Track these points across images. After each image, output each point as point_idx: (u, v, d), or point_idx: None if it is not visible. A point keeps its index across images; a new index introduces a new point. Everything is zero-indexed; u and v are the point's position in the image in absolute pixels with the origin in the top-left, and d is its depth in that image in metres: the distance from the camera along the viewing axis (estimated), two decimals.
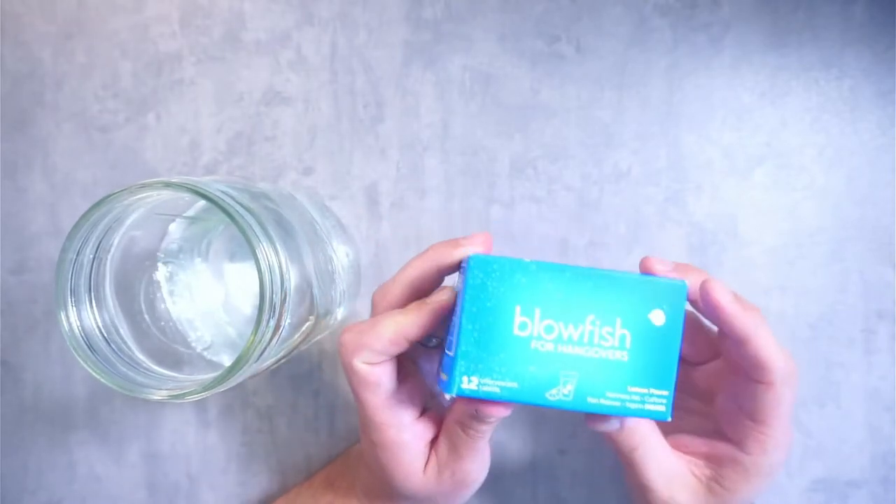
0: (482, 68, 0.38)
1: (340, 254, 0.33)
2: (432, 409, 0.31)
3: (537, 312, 0.23)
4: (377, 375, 0.27)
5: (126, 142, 0.39)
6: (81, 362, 0.26)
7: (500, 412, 0.25)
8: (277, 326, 0.25)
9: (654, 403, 0.23)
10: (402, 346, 0.26)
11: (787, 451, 0.28)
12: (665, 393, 0.23)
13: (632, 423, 0.27)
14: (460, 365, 0.23)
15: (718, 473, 0.28)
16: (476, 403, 0.25)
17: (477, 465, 0.29)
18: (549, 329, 0.23)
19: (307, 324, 0.29)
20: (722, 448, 0.28)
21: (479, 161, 0.38)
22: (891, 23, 0.37)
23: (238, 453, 0.39)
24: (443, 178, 0.38)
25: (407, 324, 0.26)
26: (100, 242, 0.27)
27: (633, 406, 0.23)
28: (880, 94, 0.37)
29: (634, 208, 0.38)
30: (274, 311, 0.25)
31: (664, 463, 0.28)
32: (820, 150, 0.37)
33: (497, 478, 0.38)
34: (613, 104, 0.38)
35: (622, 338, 0.23)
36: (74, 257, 0.26)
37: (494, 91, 0.38)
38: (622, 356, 0.23)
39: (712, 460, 0.28)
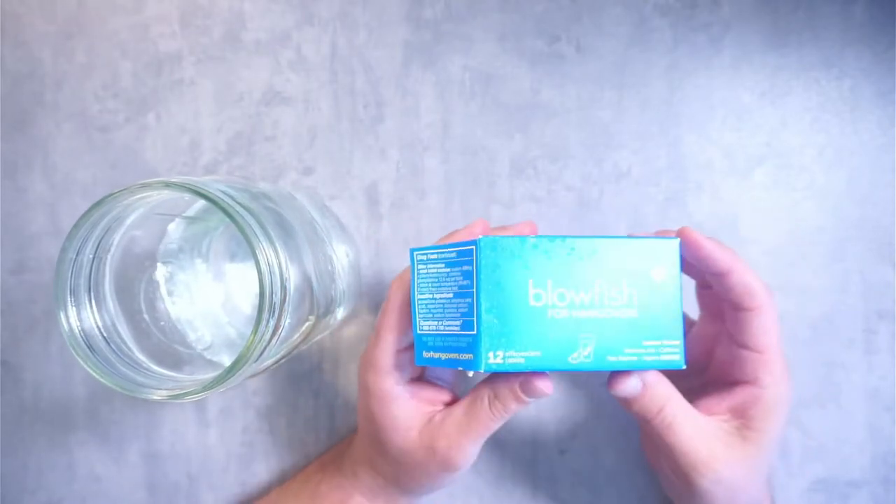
0: (482, 68, 0.38)
1: (340, 254, 0.33)
2: (435, 380, 0.32)
3: (549, 283, 0.24)
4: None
5: (126, 142, 0.39)
6: (81, 362, 0.26)
7: (544, 388, 0.27)
8: (277, 326, 0.25)
9: (668, 353, 0.25)
10: (388, 352, 0.29)
11: (790, 381, 0.29)
12: (676, 342, 0.25)
13: (653, 381, 0.27)
14: (485, 342, 0.24)
15: (745, 418, 0.29)
16: (524, 376, 0.27)
17: (472, 450, 0.29)
18: (562, 297, 0.24)
19: (307, 324, 0.29)
20: (739, 393, 0.29)
21: (479, 161, 0.38)
22: (891, 23, 0.37)
23: (238, 453, 0.39)
24: (443, 178, 0.38)
25: (381, 341, 0.29)
26: (100, 242, 0.27)
27: (649, 359, 0.25)
28: (880, 93, 0.37)
29: (634, 208, 0.38)
30: (274, 311, 0.25)
31: (694, 422, 0.28)
32: (820, 149, 0.37)
33: (497, 477, 0.38)
34: (613, 104, 0.38)
35: (630, 297, 0.25)
36: (74, 257, 0.26)
37: (494, 91, 0.38)
38: (632, 313, 0.25)
39: (735, 410, 0.29)
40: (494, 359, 0.24)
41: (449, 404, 0.31)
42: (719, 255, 0.28)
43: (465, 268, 0.25)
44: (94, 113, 0.39)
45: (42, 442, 0.39)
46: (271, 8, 0.39)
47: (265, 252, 0.25)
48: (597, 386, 0.38)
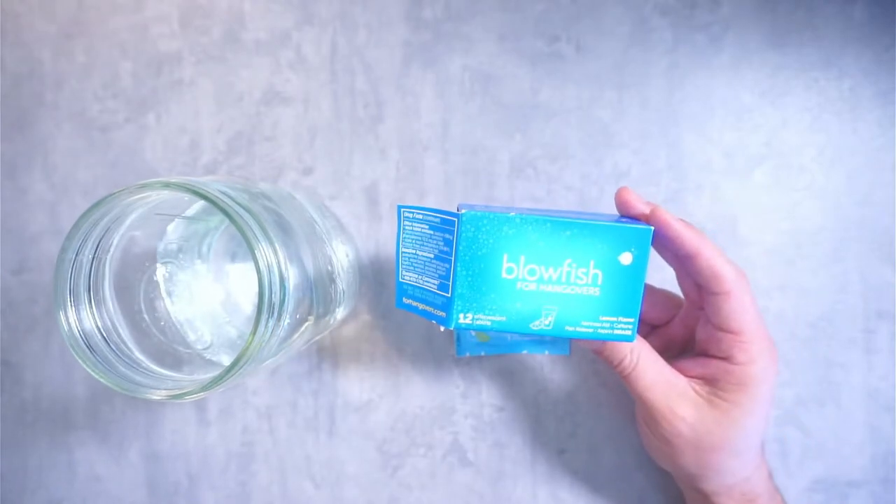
0: (482, 68, 0.38)
1: (340, 254, 0.33)
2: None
3: (522, 259, 0.26)
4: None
5: (126, 142, 0.39)
6: (81, 363, 0.26)
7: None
8: (276, 326, 0.25)
9: (622, 329, 0.27)
10: None
11: (774, 358, 0.30)
12: (631, 320, 0.26)
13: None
14: (457, 304, 0.26)
15: (716, 387, 0.30)
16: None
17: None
18: (532, 272, 0.26)
19: (307, 324, 0.29)
20: (713, 364, 0.30)
21: (479, 161, 0.38)
22: (890, 22, 0.37)
23: (238, 453, 0.39)
24: (443, 178, 0.38)
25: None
26: (99, 242, 0.27)
27: (603, 331, 0.27)
28: (880, 93, 0.37)
29: None
30: (273, 311, 0.25)
31: (657, 374, 0.30)
32: (820, 149, 0.37)
33: (497, 477, 0.38)
34: (613, 104, 0.38)
35: (595, 276, 0.26)
36: (74, 257, 0.26)
37: (494, 91, 0.38)
38: (595, 292, 0.26)
39: (708, 378, 0.30)
40: (464, 319, 0.26)
41: None
42: (686, 237, 0.28)
43: (447, 235, 0.26)
44: (94, 113, 0.39)
45: (42, 441, 0.39)
46: (271, 8, 0.39)
47: (264, 252, 0.25)
48: (597, 386, 0.38)
